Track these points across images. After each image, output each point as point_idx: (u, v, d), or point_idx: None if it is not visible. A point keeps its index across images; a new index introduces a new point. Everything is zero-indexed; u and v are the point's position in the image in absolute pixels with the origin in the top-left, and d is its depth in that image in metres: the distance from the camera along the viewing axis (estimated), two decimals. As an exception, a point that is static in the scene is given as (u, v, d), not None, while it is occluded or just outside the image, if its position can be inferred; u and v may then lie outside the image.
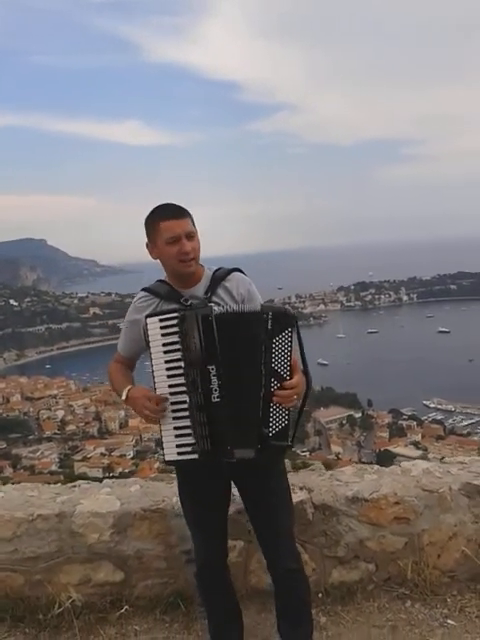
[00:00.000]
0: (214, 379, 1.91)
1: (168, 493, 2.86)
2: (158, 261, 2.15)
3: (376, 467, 3.08)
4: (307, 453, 54.48)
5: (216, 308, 1.96)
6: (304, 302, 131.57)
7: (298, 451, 54.12)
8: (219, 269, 2.21)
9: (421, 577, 2.74)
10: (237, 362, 1.94)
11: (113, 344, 2.42)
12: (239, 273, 2.21)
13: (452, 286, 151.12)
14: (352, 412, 69.18)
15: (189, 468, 2.11)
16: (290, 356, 1.96)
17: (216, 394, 1.91)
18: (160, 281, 2.23)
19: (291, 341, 1.96)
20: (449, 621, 2.59)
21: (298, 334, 2.00)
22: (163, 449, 2.04)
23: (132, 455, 51.54)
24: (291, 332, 1.96)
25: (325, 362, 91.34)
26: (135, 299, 2.23)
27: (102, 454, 51.55)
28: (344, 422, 68.90)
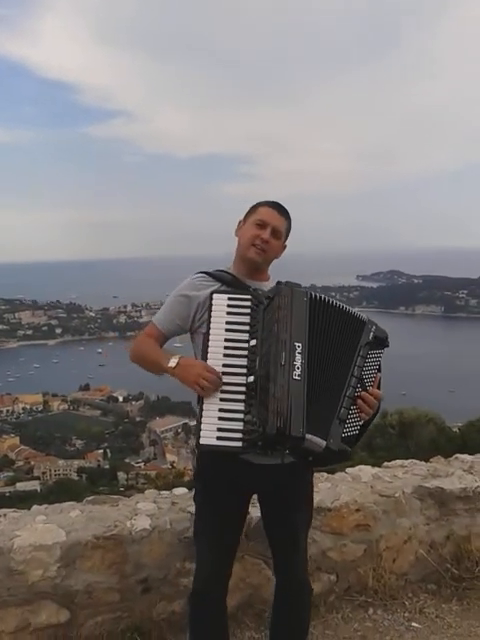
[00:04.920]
0: (299, 356, 1.71)
1: (118, 516, 2.55)
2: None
3: (325, 474, 3.04)
4: (142, 464, 53.86)
5: (318, 294, 1.84)
6: (140, 311, 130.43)
7: (132, 462, 53.34)
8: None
9: (380, 583, 2.75)
10: (328, 353, 1.81)
11: None
12: None
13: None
14: (187, 420, 69.86)
15: (218, 471, 1.92)
16: (376, 374, 1.92)
17: (297, 372, 1.70)
18: (221, 270, 2.10)
19: (380, 362, 1.94)
20: (413, 624, 2.62)
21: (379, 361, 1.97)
22: (200, 431, 1.77)
23: None
24: (381, 354, 1.94)
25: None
26: (192, 277, 2.07)
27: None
28: (179, 431, 69.34)
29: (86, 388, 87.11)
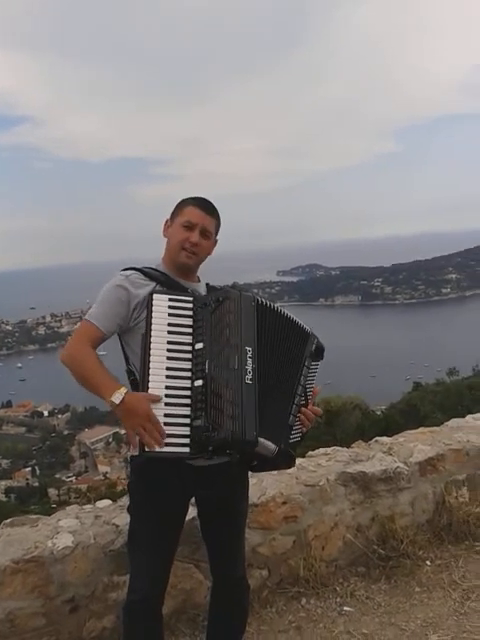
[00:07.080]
0: (250, 361, 1.69)
1: (38, 537, 2.44)
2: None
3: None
4: (73, 478, 52.35)
5: (264, 300, 1.82)
6: (60, 321, 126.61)
7: (63, 477, 51.73)
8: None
9: (311, 572, 2.78)
10: (276, 359, 1.81)
11: None
12: None
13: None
14: (117, 429, 68.50)
15: (159, 475, 1.83)
16: (314, 386, 1.96)
17: (249, 376, 1.67)
18: (151, 268, 2.00)
19: (316, 374, 1.97)
20: (345, 608, 2.67)
21: None
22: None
23: None
24: (319, 366, 1.97)
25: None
26: (127, 273, 1.93)
27: None
28: (110, 440, 67.93)
29: (8, 405, 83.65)
